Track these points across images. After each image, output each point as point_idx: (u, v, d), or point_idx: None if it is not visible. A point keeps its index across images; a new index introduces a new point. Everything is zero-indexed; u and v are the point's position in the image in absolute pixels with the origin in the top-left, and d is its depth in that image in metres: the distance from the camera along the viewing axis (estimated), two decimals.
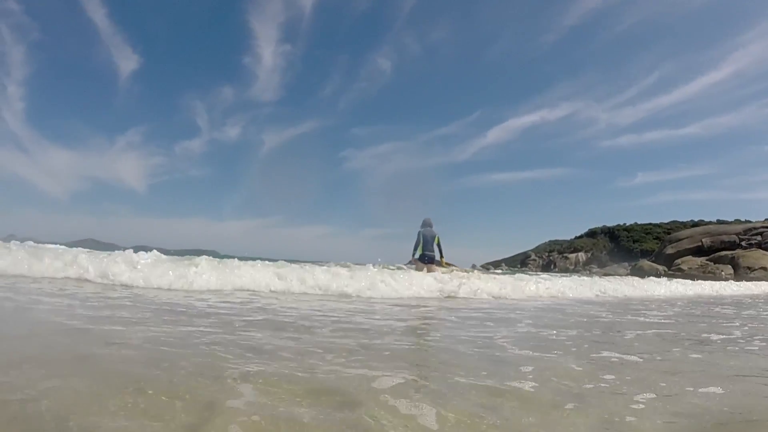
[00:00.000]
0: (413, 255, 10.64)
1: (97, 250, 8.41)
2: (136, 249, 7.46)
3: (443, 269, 10.59)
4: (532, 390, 2.06)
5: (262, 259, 8.94)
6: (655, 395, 2.06)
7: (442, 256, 10.73)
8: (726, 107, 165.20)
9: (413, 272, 9.86)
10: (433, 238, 10.61)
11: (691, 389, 2.19)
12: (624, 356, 2.97)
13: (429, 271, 10.20)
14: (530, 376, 2.30)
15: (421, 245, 10.56)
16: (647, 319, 5.73)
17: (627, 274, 52.20)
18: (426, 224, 10.81)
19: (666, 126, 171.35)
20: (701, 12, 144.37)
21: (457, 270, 10.89)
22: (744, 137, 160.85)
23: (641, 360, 2.89)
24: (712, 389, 2.20)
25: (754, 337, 4.22)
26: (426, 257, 10.55)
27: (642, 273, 46.02)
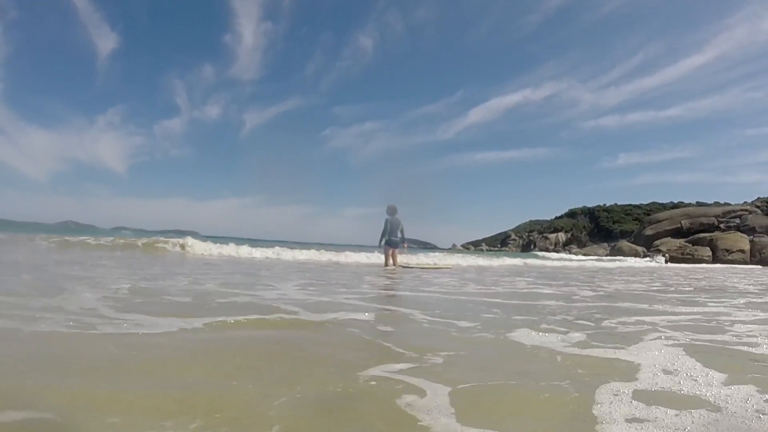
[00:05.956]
0: (380, 241, 11.79)
1: (77, 231, 8.33)
2: (116, 230, 7.39)
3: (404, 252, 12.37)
4: None
5: (243, 240, 8.94)
6: None
7: (404, 242, 11.92)
8: (709, 90, 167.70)
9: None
10: (398, 225, 11.77)
11: None
12: None
13: (393, 255, 11.62)
14: None
15: (387, 232, 11.65)
16: None
17: (606, 254, 53.21)
18: (391, 211, 11.88)
19: (649, 107, 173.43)
20: None
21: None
22: (727, 121, 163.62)
23: None
24: None
25: None
26: (392, 242, 11.67)
27: (621, 253, 47.03)
